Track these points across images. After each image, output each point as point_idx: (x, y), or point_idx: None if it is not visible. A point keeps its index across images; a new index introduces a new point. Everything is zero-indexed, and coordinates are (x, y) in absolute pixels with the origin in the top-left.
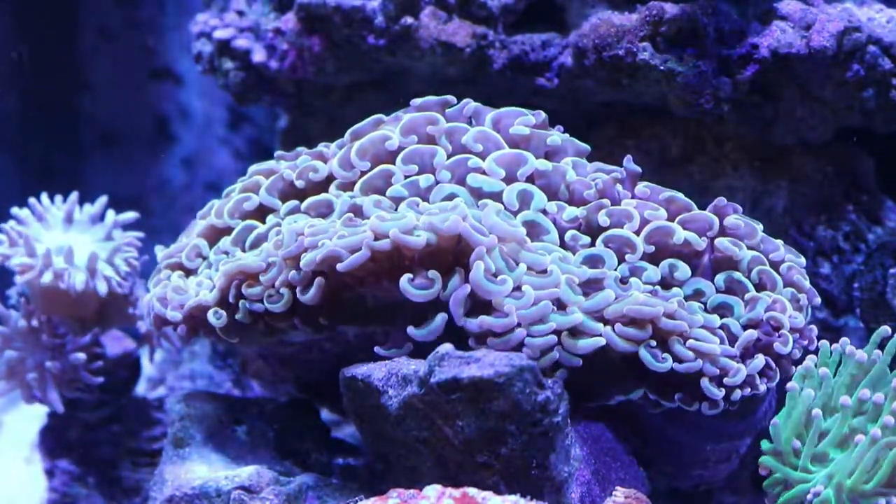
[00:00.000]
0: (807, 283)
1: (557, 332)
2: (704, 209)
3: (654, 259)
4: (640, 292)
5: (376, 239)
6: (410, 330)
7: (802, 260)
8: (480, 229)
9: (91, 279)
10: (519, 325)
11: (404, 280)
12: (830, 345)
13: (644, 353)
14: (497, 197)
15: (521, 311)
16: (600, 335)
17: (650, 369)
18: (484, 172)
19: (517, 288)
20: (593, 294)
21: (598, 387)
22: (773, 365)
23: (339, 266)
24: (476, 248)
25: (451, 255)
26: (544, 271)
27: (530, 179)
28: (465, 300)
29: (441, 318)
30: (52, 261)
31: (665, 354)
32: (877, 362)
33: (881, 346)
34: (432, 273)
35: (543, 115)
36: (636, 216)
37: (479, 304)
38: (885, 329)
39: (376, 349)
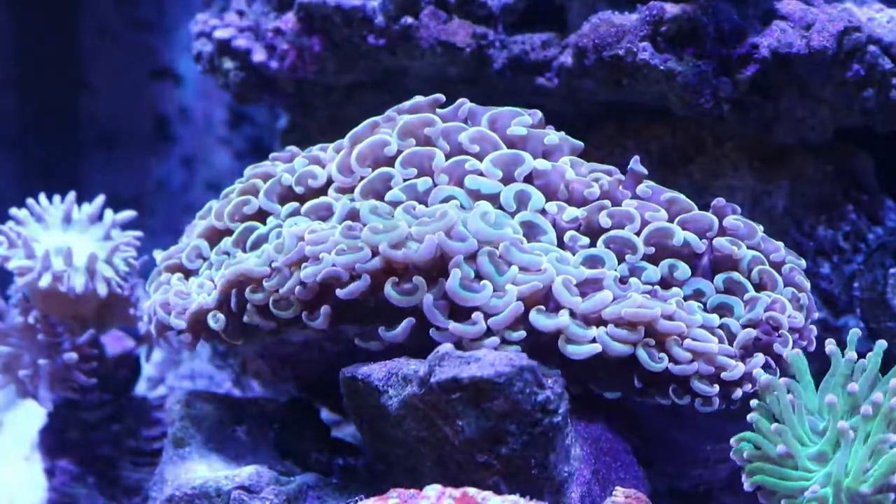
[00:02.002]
0: (808, 285)
1: (553, 335)
2: (705, 210)
3: (653, 260)
4: (639, 293)
5: (373, 257)
6: (381, 331)
7: (803, 262)
8: (462, 235)
9: (90, 280)
10: (491, 331)
11: (388, 286)
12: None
13: (641, 354)
14: (495, 198)
15: (493, 318)
16: (593, 340)
17: (646, 369)
18: (482, 173)
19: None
20: (590, 294)
21: (594, 384)
22: (773, 364)
23: (339, 293)
24: (453, 257)
25: (441, 261)
26: (539, 271)
27: (528, 179)
28: (443, 307)
29: (407, 322)
30: (50, 262)
31: (661, 355)
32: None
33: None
34: (417, 279)
35: (540, 114)
36: (637, 217)
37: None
38: (856, 331)
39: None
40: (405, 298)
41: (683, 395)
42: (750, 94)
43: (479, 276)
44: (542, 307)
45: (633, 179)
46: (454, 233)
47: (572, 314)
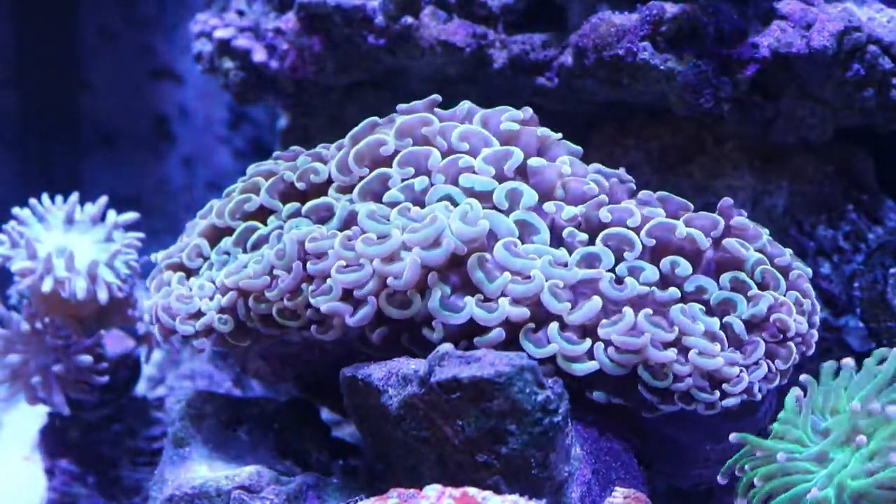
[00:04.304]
0: (813, 293)
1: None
2: (704, 209)
3: (654, 256)
4: (634, 294)
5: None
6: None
7: (809, 271)
8: (443, 243)
9: (92, 285)
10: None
11: (384, 300)
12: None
13: (644, 374)
14: (489, 195)
15: (478, 339)
16: (590, 353)
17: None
18: (476, 171)
19: (494, 299)
20: (580, 303)
21: (595, 388)
22: (775, 368)
23: (348, 321)
24: (429, 278)
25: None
26: (528, 278)
27: (522, 175)
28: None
29: (380, 331)
30: (52, 265)
31: (665, 371)
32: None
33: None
34: (410, 292)
35: (530, 111)
36: (637, 213)
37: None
38: (884, 351)
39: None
40: (400, 311)
41: (691, 402)
42: (750, 94)
43: (470, 285)
44: (533, 325)
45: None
46: (448, 241)
47: (563, 327)
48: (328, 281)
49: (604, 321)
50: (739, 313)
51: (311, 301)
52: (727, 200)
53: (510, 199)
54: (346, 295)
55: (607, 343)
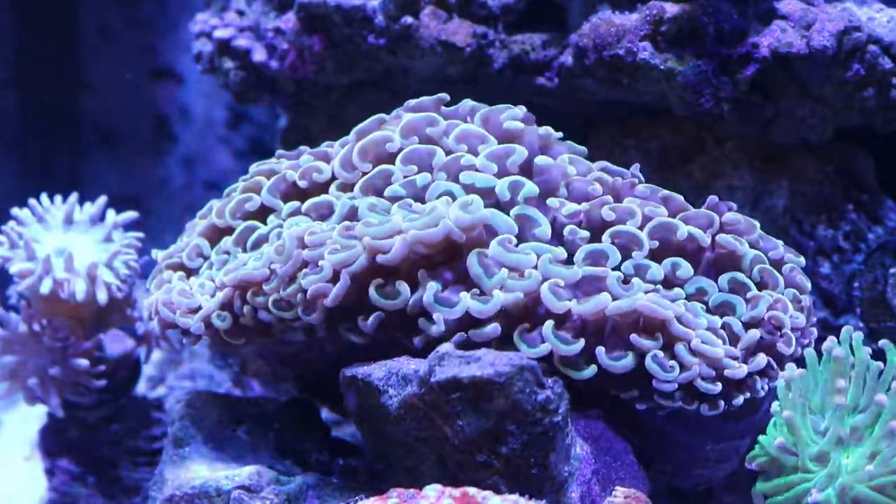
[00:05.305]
0: (809, 286)
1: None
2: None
3: (656, 256)
4: (643, 293)
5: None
6: (360, 321)
7: (802, 260)
8: (437, 227)
9: (91, 286)
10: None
11: (372, 289)
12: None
13: (652, 365)
14: (490, 192)
15: (474, 330)
16: (585, 354)
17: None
18: (478, 169)
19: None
20: (585, 299)
21: (599, 388)
22: (775, 365)
23: (325, 302)
24: (420, 274)
25: (441, 255)
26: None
27: (526, 173)
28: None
29: (375, 316)
30: (51, 266)
31: (672, 363)
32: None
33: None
34: (399, 284)
35: (525, 109)
36: (638, 213)
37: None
38: (849, 328)
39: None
40: (387, 302)
41: (693, 401)
42: (750, 94)
43: (467, 279)
44: (528, 325)
45: (631, 184)
46: (448, 226)
47: (559, 325)
48: (320, 263)
49: (616, 303)
50: (739, 315)
51: (303, 283)
52: (713, 198)
53: (512, 190)
54: (336, 277)
55: (617, 317)
